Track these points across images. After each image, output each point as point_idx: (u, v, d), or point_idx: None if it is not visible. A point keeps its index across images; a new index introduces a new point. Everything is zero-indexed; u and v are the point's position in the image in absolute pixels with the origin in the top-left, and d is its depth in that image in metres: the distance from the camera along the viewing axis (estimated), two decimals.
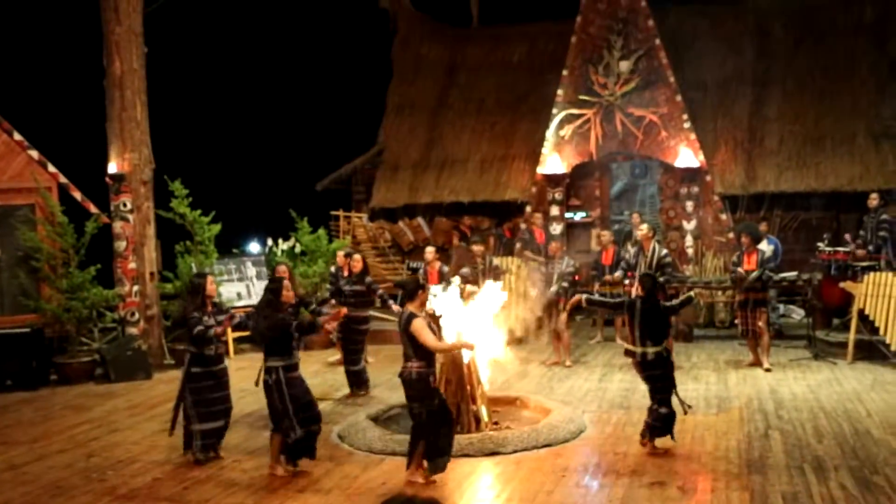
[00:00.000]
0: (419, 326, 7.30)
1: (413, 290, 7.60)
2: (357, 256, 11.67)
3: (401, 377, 7.49)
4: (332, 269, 13.04)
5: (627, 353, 8.43)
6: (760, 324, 11.80)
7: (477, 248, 12.97)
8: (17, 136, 13.41)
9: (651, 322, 8.22)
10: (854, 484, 6.96)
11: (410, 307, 7.49)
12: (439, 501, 2.26)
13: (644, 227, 12.76)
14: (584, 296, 9.76)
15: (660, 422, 8.06)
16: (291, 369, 7.74)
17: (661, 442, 8.15)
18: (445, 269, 12.96)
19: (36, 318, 13.04)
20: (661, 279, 11.88)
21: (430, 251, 13.08)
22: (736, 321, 12.41)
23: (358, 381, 11.11)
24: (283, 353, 7.72)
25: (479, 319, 9.04)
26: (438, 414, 7.38)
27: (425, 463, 7.37)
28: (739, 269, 11.90)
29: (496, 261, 13.61)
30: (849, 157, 16.40)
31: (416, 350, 7.34)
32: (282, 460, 7.78)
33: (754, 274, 11.73)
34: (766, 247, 13.10)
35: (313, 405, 7.87)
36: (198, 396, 8.19)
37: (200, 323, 8.16)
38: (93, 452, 8.79)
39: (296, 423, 7.60)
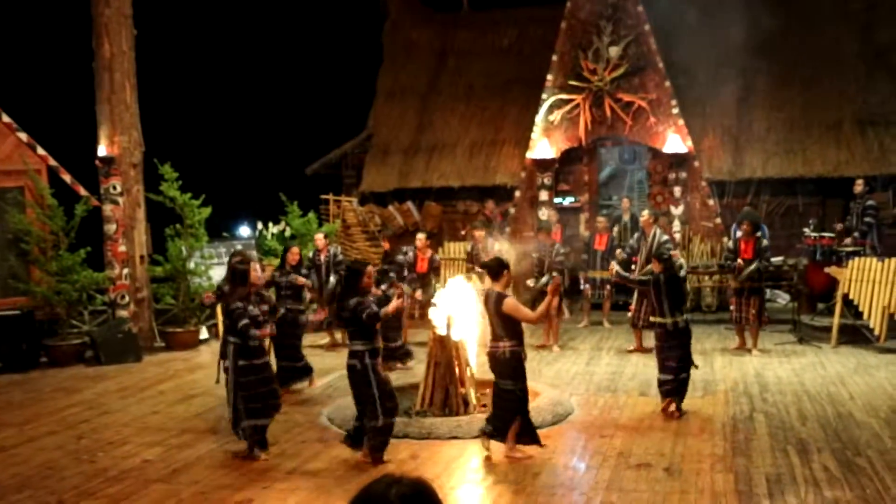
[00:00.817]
0: (514, 305, 7.48)
1: (498, 270, 7.64)
2: (294, 249, 11.34)
3: (491, 356, 7.60)
4: (311, 253, 13.20)
5: (653, 324, 9.07)
6: (754, 311, 11.87)
7: (478, 233, 13.01)
8: (6, 119, 13.32)
9: (674, 293, 8.89)
10: (837, 465, 7.01)
11: (497, 287, 7.59)
12: (427, 482, 2.27)
13: (646, 212, 12.82)
14: (616, 267, 10.39)
15: (684, 385, 8.79)
16: (376, 354, 7.51)
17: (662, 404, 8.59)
18: (437, 257, 12.97)
19: (26, 301, 13.00)
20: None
21: (420, 237, 13.03)
22: (731, 307, 12.44)
23: (301, 374, 10.82)
24: (367, 337, 7.47)
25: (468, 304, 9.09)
26: (527, 392, 7.69)
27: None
28: (739, 261, 11.90)
29: (497, 245, 13.58)
30: (835, 143, 16.43)
31: (508, 329, 7.48)
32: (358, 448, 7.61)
33: (753, 266, 11.76)
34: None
35: (394, 394, 7.64)
36: (248, 391, 7.67)
37: (245, 315, 7.60)
38: (83, 434, 8.78)
39: (380, 411, 7.36)
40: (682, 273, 11.83)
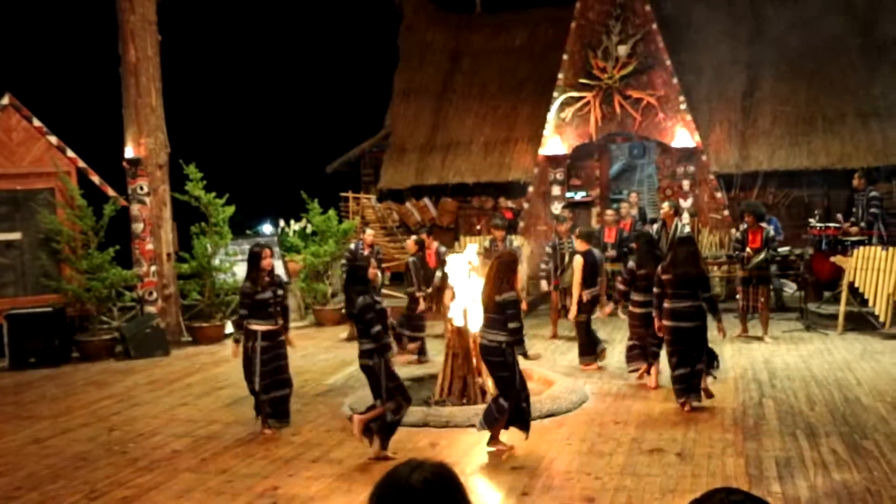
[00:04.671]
0: None
1: None
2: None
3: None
4: (352, 245, 13.22)
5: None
6: (762, 299, 11.83)
7: (498, 232, 13.02)
8: (37, 123, 13.40)
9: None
10: (844, 449, 6.96)
11: None
12: (448, 466, 2.26)
13: (666, 205, 12.82)
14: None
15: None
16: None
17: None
18: (443, 248, 13.07)
19: (58, 298, 13.07)
20: None
21: (423, 234, 13.24)
22: (738, 296, 12.39)
23: None
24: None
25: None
26: None
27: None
28: (747, 251, 11.86)
29: (515, 241, 13.56)
30: (839, 135, 16.32)
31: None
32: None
33: (761, 256, 11.69)
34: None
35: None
36: (264, 367, 8.22)
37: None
38: (114, 426, 8.82)
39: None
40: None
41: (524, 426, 7.39)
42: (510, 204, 17.81)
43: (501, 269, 7.33)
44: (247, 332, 8.30)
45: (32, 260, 13.27)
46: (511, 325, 7.19)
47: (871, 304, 11.92)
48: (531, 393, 9.24)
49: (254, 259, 8.33)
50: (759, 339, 11.82)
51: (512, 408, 7.26)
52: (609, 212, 14.48)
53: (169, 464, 7.44)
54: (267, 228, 18.68)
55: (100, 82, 16.86)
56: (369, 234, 13.35)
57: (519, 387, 7.32)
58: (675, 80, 16.39)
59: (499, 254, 7.89)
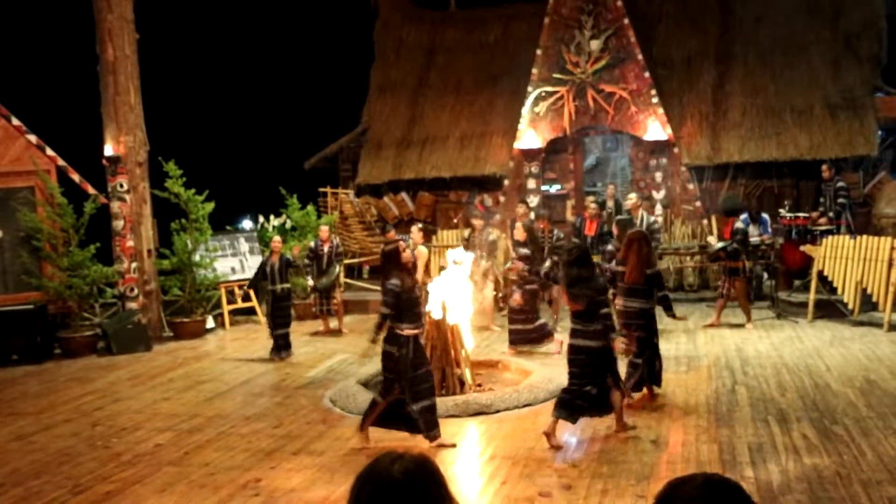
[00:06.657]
0: None
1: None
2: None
3: None
4: (312, 243, 13.42)
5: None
6: (728, 288, 11.94)
7: (477, 222, 13.00)
8: (16, 122, 13.24)
9: None
10: (815, 433, 7.03)
11: None
12: (428, 457, 2.26)
13: (632, 196, 12.76)
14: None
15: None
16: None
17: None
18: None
19: (39, 296, 12.95)
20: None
21: (323, 228, 13.77)
22: (718, 282, 12.66)
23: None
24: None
25: (463, 286, 9.09)
26: None
27: None
28: (711, 240, 12.10)
29: (492, 234, 13.39)
30: (807, 127, 16.42)
31: None
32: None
33: (718, 245, 11.83)
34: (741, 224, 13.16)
35: None
36: (414, 373, 7.30)
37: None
38: (97, 421, 8.76)
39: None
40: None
41: (657, 383, 8.50)
42: (483, 198, 17.82)
43: (645, 247, 8.34)
44: (395, 337, 7.22)
45: (13, 258, 13.13)
46: (660, 294, 8.46)
47: (839, 292, 12.02)
48: (508, 383, 9.30)
49: (392, 257, 7.24)
50: (734, 326, 11.90)
51: (645, 364, 8.24)
52: (592, 205, 13.82)
53: (152, 458, 7.39)
54: (246, 224, 18.59)
55: (78, 81, 16.69)
56: (324, 229, 13.42)
57: (655, 342, 8.41)
58: (646, 74, 16.45)
59: (635, 232, 8.73)
